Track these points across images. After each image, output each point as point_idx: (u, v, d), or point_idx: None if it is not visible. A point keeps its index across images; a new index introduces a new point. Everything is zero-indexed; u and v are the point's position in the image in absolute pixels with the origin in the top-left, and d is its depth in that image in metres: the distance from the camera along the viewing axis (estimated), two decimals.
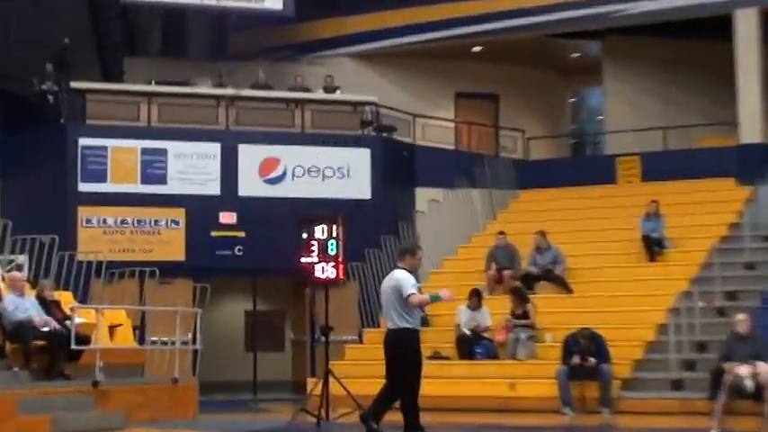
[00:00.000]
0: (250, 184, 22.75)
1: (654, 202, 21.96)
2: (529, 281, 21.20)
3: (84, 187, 22.06)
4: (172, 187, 22.43)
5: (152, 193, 22.29)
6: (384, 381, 12.09)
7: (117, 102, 23.05)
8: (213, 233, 22.40)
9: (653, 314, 19.25)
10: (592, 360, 17.52)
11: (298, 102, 23.96)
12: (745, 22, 24.18)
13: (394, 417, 12.09)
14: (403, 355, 11.89)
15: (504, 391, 18.24)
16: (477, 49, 27.26)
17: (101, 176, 22.18)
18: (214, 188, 22.62)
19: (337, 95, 24.72)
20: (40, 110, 22.84)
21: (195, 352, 18.86)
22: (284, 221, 20.03)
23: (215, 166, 22.69)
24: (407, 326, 11.90)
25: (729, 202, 22.73)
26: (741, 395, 14.70)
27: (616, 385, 17.69)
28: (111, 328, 17.06)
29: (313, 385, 17.02)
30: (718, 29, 24.38)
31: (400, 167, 24.25)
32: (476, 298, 19.94)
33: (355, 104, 24.27)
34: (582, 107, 32.05)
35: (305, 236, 15.90)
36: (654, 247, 21.58)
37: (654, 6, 25.08)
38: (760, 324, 16.58)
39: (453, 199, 24.80)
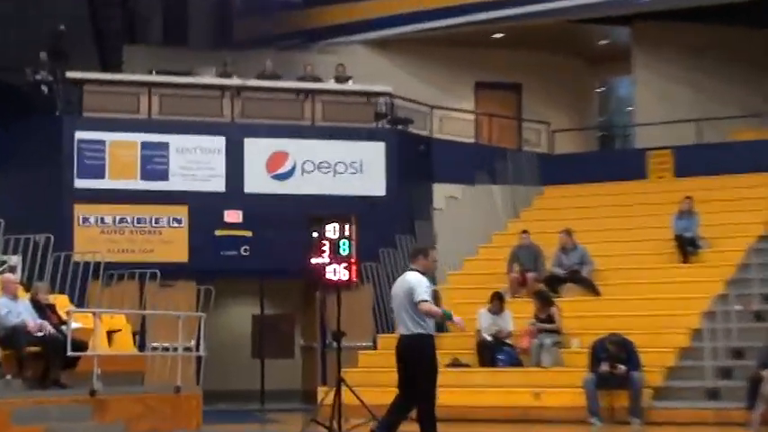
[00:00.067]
0: (257, 181, 22.77)
1: (687, 198, 21.94)
2: (554, 283, 21.18)
3: (80, 183, 22.11)
4: (174, 184, 22.47)
5: (153, 190, 22.34)
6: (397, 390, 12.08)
7: (115, 93, 23.07)
8: (218, 232, 22.42)
9: (686, 318, 19.22)
10: (621, 367, 17.49)
11: (307, 92, 23.96)
12: None
13: (410, 428, 12.07)
14: (418, 362, 11.85)
15: (527, 401, 18.24)
16: (498, 35, 27.24)
17: (98, 172, 22.23)
18: (219, 185, 22.65)
19: (350, 86, 24.73)
20: (33, 101, 22.91)
21: (199, 359, 18.85)
22: (293, 220, 20.05)
23: (219, 162, 22.72)
24: (422, 331, 11.85)
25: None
26: None
27: (647, 394, 17.67)
28: (110, 334, 17.09)
29: (324, 394, 17.02)
30: (755, 14, 24.30)
31: (417, 162, 24.25)
32: (497, 301, 19.92)
33: (369, 95, 24.27)
34: (610, 97, 31.97)
35: (315, 235, 15.88)
36: (687, 246, 21.53)
37: None
38: None
39: (473, 196, 24.78)
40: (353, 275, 16.10)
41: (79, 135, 22.25)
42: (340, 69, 25.11)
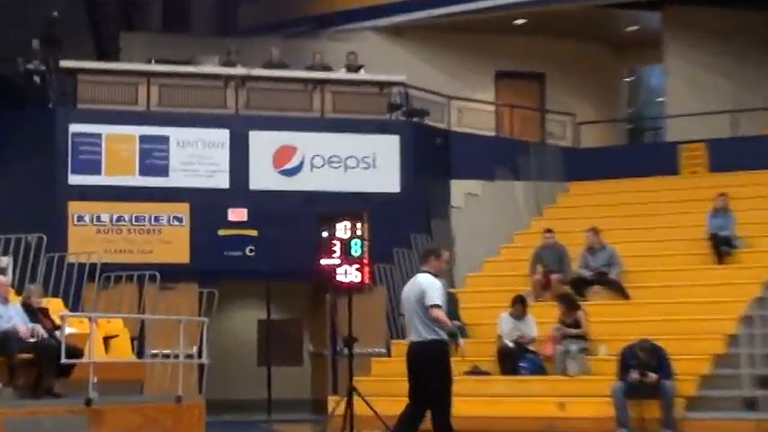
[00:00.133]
0: (263, 177, 22.78)
1: (722, 195, 21.92)
2: (580, 286, 21.17)
3: (75, 180, 22.15)
4: (174, 180, 22.51)
5: (152, 187, 22.37)
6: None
7: (112, 83, 23.12)
8: (221, 232, 22.45)
9: (722, 323, 19.18)
10: (652, 375, 17.48)
11: (316, 82, 23.97)
12: None
13: None
14: (430, 370, 11.83)
15: (552, 412, 18.24)
16: (519, 21, 27.24)
17: (94, 167, 22.26)
18: (222, 181, 22.67)
19: (361, 75, 24.74)
20: (25, 92, 22.92)
21: (201, 366, 18.84)
22: (302, 218, 20.11)
23: (223, 156, 22.74)
24: (435, 337, 11.83)
25: None
26: None
27: (680, 404, 17.66)
28: (107, 340, 17.08)
29: (335, 404, 17.05)
30: None
31: (433, 157, 24.25)
32: (520, 305, 19.91)
33: (382, 85, 24.28)
34: (639, 87, 31.99)
35: (325, 235, 15.93)
36: (722, 246, 21.51)
37: None
38: None
39: (493, 192, 24.80)
40: (366, 277, 16.18)
41: (73, 128, 22.27)
42: (351, 58, 25.12)
